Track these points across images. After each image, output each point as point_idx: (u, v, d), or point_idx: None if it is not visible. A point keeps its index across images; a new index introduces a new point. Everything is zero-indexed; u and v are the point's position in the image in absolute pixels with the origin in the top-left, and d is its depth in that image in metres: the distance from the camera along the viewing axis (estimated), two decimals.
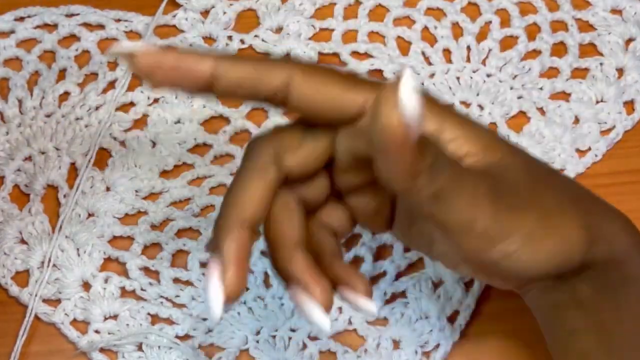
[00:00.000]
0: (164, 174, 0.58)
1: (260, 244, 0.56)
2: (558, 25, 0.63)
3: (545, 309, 0.47)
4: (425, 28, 0.63)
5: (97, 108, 0.60)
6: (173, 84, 0.41)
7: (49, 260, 0.56)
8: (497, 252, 0.42)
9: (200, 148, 0.59)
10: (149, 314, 0.55)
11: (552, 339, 0.47)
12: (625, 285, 0.44)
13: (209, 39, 0.62)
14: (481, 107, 0.60)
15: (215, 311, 0.40)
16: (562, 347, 0.46)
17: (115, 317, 0.55)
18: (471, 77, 0.61)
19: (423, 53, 0.62)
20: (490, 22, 0.63)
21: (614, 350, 0.44)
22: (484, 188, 0.41)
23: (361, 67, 0.61)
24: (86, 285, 0.56)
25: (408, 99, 0.35)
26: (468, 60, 0.61)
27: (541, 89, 0.60)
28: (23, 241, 0.57)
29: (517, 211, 0.42)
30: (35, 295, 0.55)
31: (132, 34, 0.62)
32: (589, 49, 0.62)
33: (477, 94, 0.60)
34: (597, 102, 0.60)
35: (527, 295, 0.47)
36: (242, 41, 0.62)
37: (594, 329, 0.44)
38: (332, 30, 0.62)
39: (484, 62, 0.62)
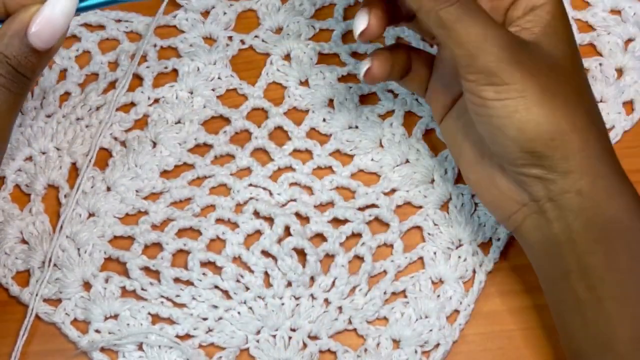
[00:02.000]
0: (165, 174, 0.59)
1: (261, 244, 0.56)
2: None
3: (538, 246, 0.50)
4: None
5: (97, 108, 0.60)
6: None
7: (50, 260, 0.56)
8: (491, 92, 0.47)
9: (200, 148, 0.59)
10: (149, 313, 0.55)
11: (547, 282, 0.50)
12: (612, 230, 0.47)
13: (209, 39, 0.63)
14: None
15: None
16: (557, 291, 0.49)
17: (115, 316, 0.55)
18: None
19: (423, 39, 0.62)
20: None
21: (603, 299, 0.47)
22: (504, 37, 0.47)
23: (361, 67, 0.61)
24: (87, 285, 0.56)
25: None
26: None
27: None
28: (24, 241, 0.57)
29: (524, 71, 0.47)
30: (36, 295, 0.55)
31: (133, 34, 0.62)
32: (588, 49, 0.62)
33: None
34: (599, 102, 0.60)
35: (520, 230, 0.50)
36: (242, 41, 0.62)
37: (583, 274, 0.47)
38: (332, 30, 0.63)
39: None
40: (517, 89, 0.47)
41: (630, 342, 0.46)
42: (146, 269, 0.56)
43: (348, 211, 0.57)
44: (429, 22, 0.48)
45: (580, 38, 0.62)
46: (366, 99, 0.60)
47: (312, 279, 0.56)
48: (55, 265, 0.56)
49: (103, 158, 0.59)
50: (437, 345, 0.55)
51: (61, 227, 0.56)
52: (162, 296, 0.56)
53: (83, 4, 0.50)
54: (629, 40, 0.63)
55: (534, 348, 0.55)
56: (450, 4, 0.47)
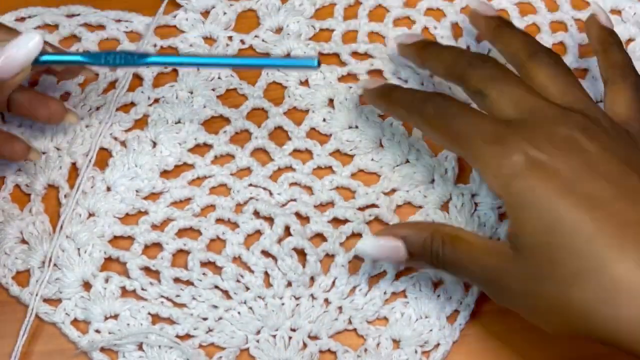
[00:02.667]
0: (165, 174, 0.58)
1: (261, 244, 0.56)
2: (558, 26, 0.63)
3: None
4: (425, 28, 0.63)
5: (97, 108, 0.60)
6: None
7: (50, 260, 0.56)
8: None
9: (200, 148, 0.59)
10: (149, 313, 0.55)
11: None
12: None
13: (209, 39, 0.63)
14: None
15: None
16: None
17: (115, 316, 0.55)
18: None
19: None
20: None
21: None
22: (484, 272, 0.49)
23: (361, 67, 0.61)
24: (87, 285, 0.56)
25: None
26: None
27: None
28: (24, 241, 0.57)
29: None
30: (36, 295, 0.55)
31: (133, 35, 0.62)
32: (588, 49, 0.62)
33: None
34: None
35: None
36: (242, 41, 0.62)
37: None
38: (332, 30, 0.63)
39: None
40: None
41: None
42: (146, 269, 0.56)
43: (348, 211, 0.57)
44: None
45: (581, 38, 0.62)
46: None
47: (312, 279, 0.56)
48: (55, 265, 0.56)
49: (103, 158, 0.59)
50: (437, 345, 0.55)
51: (61, 227, 0.56)
52: (162, 296, 0.55)
53: (45, 57, 0.52)
54: (629, 40, 0.63)
55: (534, 348, 0.55)
56: (441, 257, 0.51)
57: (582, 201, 0.44)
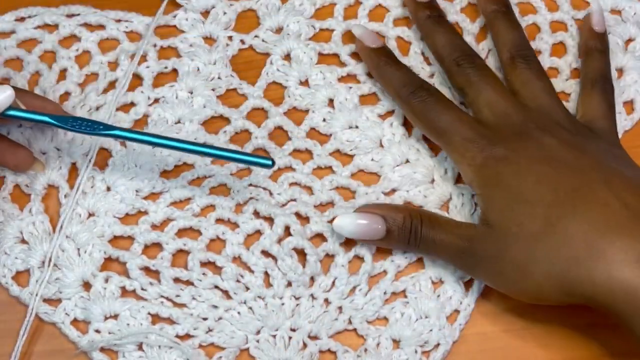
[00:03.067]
0: (164, 173, 0.58)
1: (261, 244, 0.56)
2: (558, 26, 0.64)
3: None
4: None
5: (97, 108, 0.60)
6: None
7: (50, 260, 0.56)
8: None
9: None
10: (149, 313, 0.55)
11: None
12: None
13: (209, 39, 0.62)
14: None
15: None
16: None
17: (115, 316, 0.55)
18: None
19: (422, 53, 0.62)
20: None
21: None
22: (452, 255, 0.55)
23: (360, 67, 0.61)
24: (86, 285, 0.56)
25: None
26: None
27: None
28: (24, 241, 0.57)
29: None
30: (36, 295, 0.55)
31: (133, 34, 0.62)
32: None
33: None
34: None
35: None
36: (242, 41, 0.62)
37: None
38: (332, 30, 0.63)
39: None
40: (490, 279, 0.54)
41: None
42: (146, 269, 0.56)
43: (348, 211, 0.57)
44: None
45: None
46: (366, 99, 0.61)
47: (312, 279, 0.56)
48: (55, 265, 0.56)
49: (103, 158, 0.59)
50: (437, 345, 0.55)
51: (61, 227, 0.56)
52: (162, 296, 0.55)
53: (12, 112, 0.53)
54: (629, 40, 0.63)
55: (534, 348, 0.55)
56: (419, 238, 0.55)
57: (540, 177, 0.52)
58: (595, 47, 0.61)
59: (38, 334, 0.55)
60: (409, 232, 0.54)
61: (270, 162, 0.53)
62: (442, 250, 0.55)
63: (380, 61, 0.59)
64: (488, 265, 0.53)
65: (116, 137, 0.54)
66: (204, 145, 0.55)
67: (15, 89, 0.54)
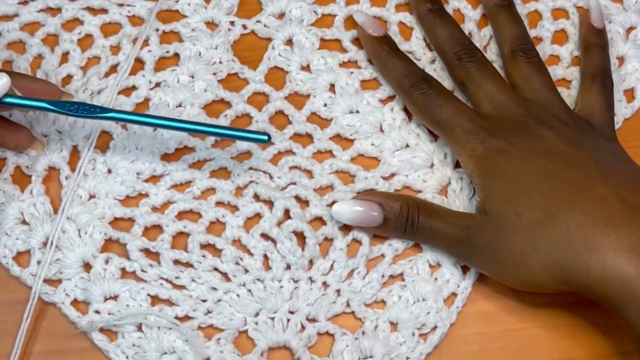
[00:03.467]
0: (165, 156, 0.59)
1: (260, 227, 0.56)
2: (559, 13, 0.64)
3: None
4: None
5: (99, 92, 0.60)
6: None
7: (52, 243, 0.56)
8: None
9: None
10: (149, 295, 0.55)
11: None
12: None
13: (211, 24, 0.63)
14: None
15: None
16: None
17: (115, 297, 0.55)
18: None
19: (424, 39, 0.62)
20: None
21: None
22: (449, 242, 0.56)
23: (362, 53, 0.61)
24: (87, 266, 0.56)
25: None
26: None
27: None
28: (24, 222, 0.57)
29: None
30: (39, 278, 0.55)
31: (135, 19, 0.63)
32: None
33: None
34: None
35: None
36: (244, 26, 0.63)
37: None
38: (334, 16, 0.63)
39: (485, 49, 0.62)
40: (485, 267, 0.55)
41: None
42: (146, 251, 0.56)
43: (347, 195, 0.57)
44: None
45: None
46: (367, 84, 0.61)
47: (311, 262, 0.56)
48: (56, 246, 0.56)
49: (104, 140, 0.59)
50: (435, 327, 0.55)
51: (63, 210, 0.57)
52: (161, 278, 0.56)
53: (9, 99, 0.54)
54: (630, 29, 0.63)
55: (534, 348, 0.55)
56: (416, 227, 0.55)
57: (540, 170, 0.53)
58: (594, 43, 0.61)
59: (39, 334, 0.55)
60: (405, 220, 0.55)
61: (266, 138, 0.53)
62: (438, 239, 0.55)
63: (383, 50, 0.60)
64: (485, 254, 0.53)
65: (113, 119, 0.55)
66: (199, 123, 0.55)
67: (12, 74, 0.54)
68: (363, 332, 0.55)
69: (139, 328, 0.55)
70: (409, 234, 0.55)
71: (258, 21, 0.63)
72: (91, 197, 0.58)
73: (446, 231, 0.55)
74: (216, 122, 0.59)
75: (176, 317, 0.55)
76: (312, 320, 0.55)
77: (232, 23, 0.63)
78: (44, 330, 0.55)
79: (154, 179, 0.58)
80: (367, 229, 0.56)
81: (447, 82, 0.60)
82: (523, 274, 0.52)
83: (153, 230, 0.57)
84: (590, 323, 0.55)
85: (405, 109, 0.59)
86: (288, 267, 0.56)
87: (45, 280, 0.56)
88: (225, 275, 0.56)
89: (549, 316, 0.55)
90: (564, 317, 0.55)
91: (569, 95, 0.60)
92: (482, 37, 0.62)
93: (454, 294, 0.56)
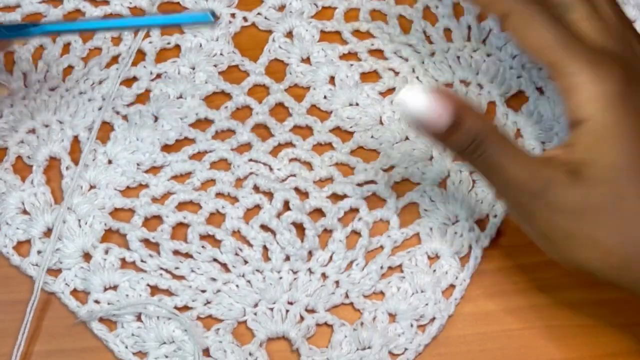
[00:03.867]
0: (166, 148, 0.59)
1: (260, 218, 0.56)
2: None
3: None
4: (427, 7, 0.63)
5: (100, 82, 0.60)
6: None
7: (55, 234, 0.56)
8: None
9: (201, 123, 0.59)
10: (148, 285, 0.56)
11: None
12: None
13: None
14: (480, 86, 0.60)
15: None
16: None
17: (115, 287, 0.56)
18: (471, 57, 0.61)
19: (424, 32, 0.62)
20: None
21: None
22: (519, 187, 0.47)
23: (362, 45, 0.61)
24: (87, 256, 0.56)
25: None
26: (468, 39, 0.62)
27: (540, 69, 0.61)
28: (25, 212, 0.57)
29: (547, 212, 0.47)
30: (43, 270, 0.55)
31: (136, 10, 0.63)
32: None
33: (477, 73, 0.61)
34: None
35: None
36: (244, 19, 0.63)
37: None
38: (335, 8, 0.63)
39: (484, 42, 0.62)
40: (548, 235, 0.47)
41: None
42: (146, 241, 0.57)
43: (347, 186, 0.57)
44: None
45: None
46: (367, 77, 0.61)
47: (310, 253, 0.56)
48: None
49: (105, 131, 0.59)
50: (433, 319, 0.55)
51: (65, 203, 0.57)
52: (161, 268, 0.56)
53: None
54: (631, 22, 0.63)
55: (534, 348, 0.55)
56: (479, 153, 0.47)
57: None
58: None
59: (39, 334, 0.55)
60: (471, 139, 0.46)
61: (208, 15, 0.48)
62: (501, 180, 0.47)
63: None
64: (559, 222, 0.46)
65: (46, 32, 0.53)
66: (138, 18, 0.53)
67: None
68: (362, 323, 0.55)
69: (138, 318, 0.55)
70: (468, 157, 0.47)
71: (259, 13, 0.63)
72: (91, 187, 0.58)
73: (515, 175, 0.46)
74: (217, 114, 0.59)
75: (175, 307, 0.55)
76: (311, 311, 0.55)
77: (232, 15, 0.63)
78: (44, 330, 0.55)
79: (154, 169, 0.58)
80: (426, 129, 0.47)
81: (446, 75, 0.60)
82: (593, 258, 0.46)
83: (153, 221, 0.57)
84: (590, 323, 0.55)
85: None
86: (287, 258, 0.56)
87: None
88: (224, 266, 0.56)
89: (549, 316, 0.55)
90: (564, 317, 0.55)
91: None
92: (482, 30, 0.62)
93: (452, 286, 0.56)
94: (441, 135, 0.47)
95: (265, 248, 0.56)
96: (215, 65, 0.61)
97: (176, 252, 0.56)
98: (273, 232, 0.56)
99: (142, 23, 0.53)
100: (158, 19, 0.52)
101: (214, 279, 0.56)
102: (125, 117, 0.59)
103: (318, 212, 0.57)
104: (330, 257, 0.56)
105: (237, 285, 0.56)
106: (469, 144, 0.47)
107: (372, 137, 0.59)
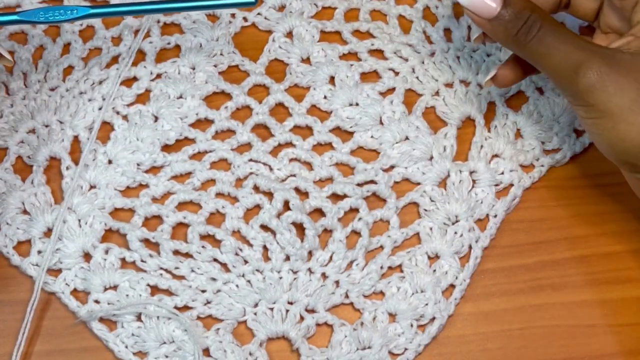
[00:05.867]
0: (166, 148, 0.59)
1: (260, 218, 0.56)
2: None
3: None
4: (427, 7, 0.63)
5: (100, 82, 0.60)
6: None
7: (55, 234, 0.56)
8: (582, 112, 0.50)
9: (201, 123, 0.60)
10: (148, 285, 0.56)
11: None
12: None
13: (212, 16, 0.63)
14: (480, 86, 0.60)
15: None
16: None
17: (115, 287, 0.56)
18: (471, 56, 0.61)
19: (424, 32, 0.62)
20: None
21: None
22: (590, 60, 0.49)
23: (362, 45, 0.61)
24: (87, 256, 0.56)
25: None
26: (468, 39, 0.62)
27: None
28: (25, 212, 0.57)
29: (611, 90, 0.48)
30: (43, 270, 0.55)
31: None
32: (588, 31, 0.62)
33: (477, 73, 0.61)
34: None
35: None
36: (245, 19, 0.63)
37: None
38: (335, 8, 0.63)
39: (484, 42, 0.62)
40: (601, 109, 0.48)
41: None
42: (146, 241, 0.57)
43: (347, 187, 0.57)
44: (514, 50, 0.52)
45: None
46: (367, 77, 0.61)
47: (310, 253, 0.56)
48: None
49: (105, 131, 0.59)
50: (433, 319, 0.55)
51: (65, 203, 0.57)
52: (161, 268, 0.56)
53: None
54: None
55: (534, 348, 0.55)
56: (532, 35, 0.49)
57: None
58: None
59: (40, 334, 0.55)
60: (523, 22, 0.50)
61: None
62: (555, 60, 0.49)
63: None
64: (619, 98, 0.48)
65: (93, 15, 0.54)
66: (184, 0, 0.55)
67: None
68: (361, 323, 0.55)
69: (139, 318, 0.55)
70: (521, 41, 0.50)
71: (259, 13, 0.63)
72: (92, 187, 0.58)
73: (570, 52, 0.49)
74: (217, 114, 0.59)
75: (175, 307, 0.55)
76: (311, 311, 0.55)
77: (233, 15, 0.63)
78: (44, 330, 0.55)
79: (154, 169, 0.59)
80: (478, 18, 0.51)
81: (446, 75, 0.60)
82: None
83: (153, 221, 0.57)
84: (590, 323, 0.55)
85: (404, 102, 0.60)
86: (287, 258, 0.56)
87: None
88: (224, 266, 0.56)
89: (549, 316, 0.55)
90: (565, 317, 0.55)
91: None
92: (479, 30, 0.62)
93: (452, 286, 0.56)
94: (492, 23, 0.50)
95: (265, 248, 0.56)
96: (215, 65, 0.61)
97: (176, 252, 0.56)
98: (273, 232, 0.56)
99: (187, 6, 0.54)
100: (203, 2, 0.54)
101: (214, 279, 0.56)
102: (125, 117, 0.59)
103: (318, 212, 0.57)
104: (330, 257, 0.56)
105: (237, 285, 0.56)
106: (521, 27, 0.50)
107: (372, 137, 0.59)
